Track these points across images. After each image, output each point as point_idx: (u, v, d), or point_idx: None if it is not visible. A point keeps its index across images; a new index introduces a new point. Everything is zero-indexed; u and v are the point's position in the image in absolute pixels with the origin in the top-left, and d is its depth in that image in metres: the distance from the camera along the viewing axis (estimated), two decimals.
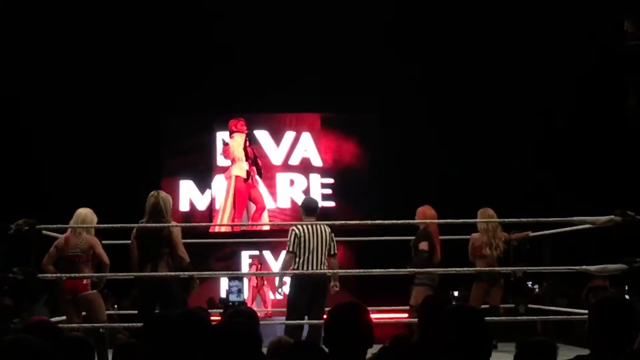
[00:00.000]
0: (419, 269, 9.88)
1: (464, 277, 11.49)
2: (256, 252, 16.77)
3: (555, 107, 17.16)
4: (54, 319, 8.58)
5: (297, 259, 9.40)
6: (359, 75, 16.98)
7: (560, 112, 17.23)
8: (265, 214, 16.50)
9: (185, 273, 8.70)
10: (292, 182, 17.24)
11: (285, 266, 9.62)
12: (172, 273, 8.63)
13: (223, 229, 16.87)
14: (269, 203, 16.68)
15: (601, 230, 9.61)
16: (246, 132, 16.24)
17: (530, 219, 9.73)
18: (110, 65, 16.79)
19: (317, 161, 17.30)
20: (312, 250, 9.39)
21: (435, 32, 16.92)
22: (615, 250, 10.71)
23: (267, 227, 16.02)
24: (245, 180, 16.12)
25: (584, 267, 9.65)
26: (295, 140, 17.28)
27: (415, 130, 17.26)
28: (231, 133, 16.32)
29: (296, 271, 9.39)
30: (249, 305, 15.09)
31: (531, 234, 10.87)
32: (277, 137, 17.27)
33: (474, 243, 10.66)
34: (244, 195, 16.05)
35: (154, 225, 8.68)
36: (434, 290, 9.88)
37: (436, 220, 9.82)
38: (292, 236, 9.44)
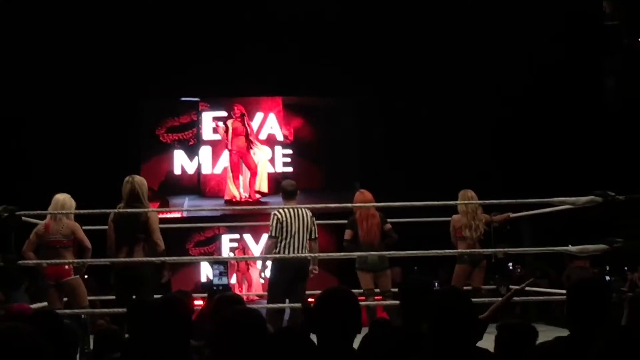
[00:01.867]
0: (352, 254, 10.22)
1: (447, 259, 11.58)
2: (237, 236, 16.94)
3: (532, 88, 17.24)
4: (34, 306, 8.62)
5: (279, 243, 9.48)
6: (317, 61, 17.29)
7: (537, 93, 17.31)
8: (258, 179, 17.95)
9: (160, 259, 8.73)
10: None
11: (268, 250, 9.69)
12: (147, 258, 8.66)
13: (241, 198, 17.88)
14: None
15: (581, 211, 9.70)
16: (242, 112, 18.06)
17: (510, 200, 9.84)
18: (89, 51, 16.79)
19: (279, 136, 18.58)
20: (293, 234, 9.47)
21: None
22: (595, 230, 10.83)
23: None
24: (248, 148, 18.00)
25: (564, 247, 9.76)
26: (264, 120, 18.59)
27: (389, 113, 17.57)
28: (230, 116, 18.10)
29: (278, 255, 9.47)
30: (236, 289, 15.23)
31: (512, 215, 10.97)
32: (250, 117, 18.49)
33: (454, 225, 10.73)
34: (241, 162, 17.99)
35: (133, 210, 8.71)
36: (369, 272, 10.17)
37: (419, 203, 9.87)
38: (274, 220, 9.51)
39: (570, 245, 9.69)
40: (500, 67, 16.98)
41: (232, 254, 16.47)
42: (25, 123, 16.82)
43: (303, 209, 9.68)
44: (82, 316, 9.14)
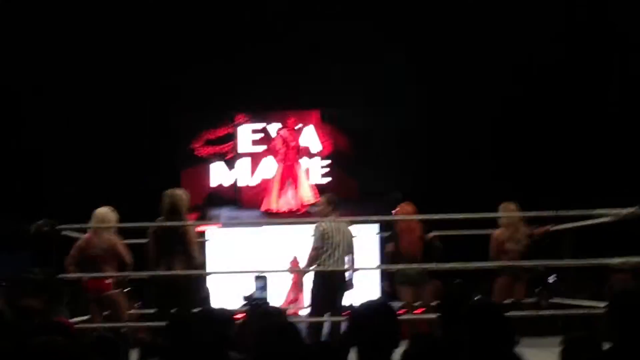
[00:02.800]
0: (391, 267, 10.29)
1: (488, 273, 11.54)
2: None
3: (573, 99, 17.18)
4: (75, 319, 8.68)
5: (322, 255, 9.50)
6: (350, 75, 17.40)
7: (580, 104, 17.23)
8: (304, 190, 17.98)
9: (199, 272, 8.81)
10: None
11: (311, 261, 9.71)
12: (186, 271, 8.74)
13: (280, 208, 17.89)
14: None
15: (623, 223, 9.64)
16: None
17: (550, 212, 9.79)
18: (126, 62, 16.92)
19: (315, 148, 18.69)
20: (335, 246, 9.49)
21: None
22: (637, 243, 10.74)
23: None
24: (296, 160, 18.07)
25: (605, 260, 9.70)
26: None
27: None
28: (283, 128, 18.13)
29: (319, 268, 9.49)
30: (288, 303, 15.18)
31: (552, 227, 10.91)
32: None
33: (497, 238, 10.70)
34: (289, 175, 17.96)
35: (172, 223, 8.78)
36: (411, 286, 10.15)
37: (460, 215, 9.84)
38: (318, 231, 9.56)
39: (613, 258, 9.63)
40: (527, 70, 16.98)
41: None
42: (62, 135, 16.92)
43: (344, 222, 9.71)
44: (122, 330, 9.20)
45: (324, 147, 18.59)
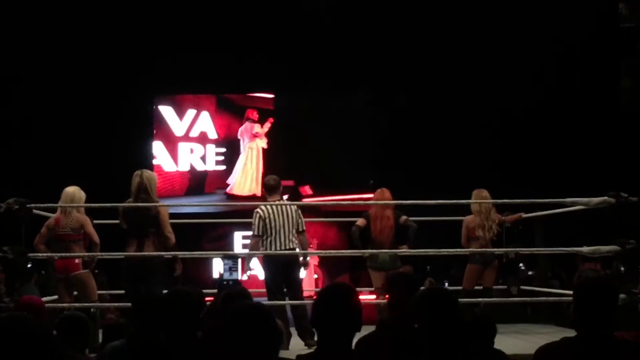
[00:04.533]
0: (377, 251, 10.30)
1: (458, 259, 11.59)
2: (249, 232, 16.97)
3: (549, 89, 17.22)
4: (44, 299, 8.66)
5: (264, 241, 9.52)
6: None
7: (553, 93, 17.28)
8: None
9: (171, 253, 8.78)
10: (191, 150, 18.08)
11: (251, 249, 9.76)
12: (157, 252, 8.69)
13: (243, 192, 17.76)
14: (171, 166, 17.87)
15: (593, 212, 9.70)
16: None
17: (522, 200, 9.84)
18: (98, 47, 16.87)
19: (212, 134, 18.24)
20: (278, 229, 9.49)
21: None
22: (607, 231, 10.82)
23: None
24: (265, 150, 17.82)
25: (576, 248, 9.76)
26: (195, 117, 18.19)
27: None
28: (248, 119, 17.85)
29: (265, 252, 9.53)
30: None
31: (524, 215, 10.96)
32: (180, 114, 18.05)
33: (467, 225, 10.73)
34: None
35: (143, 204, 8.72)
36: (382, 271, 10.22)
37: (432, 202, 9.88)
38: (257, 218, 9.55)
39: (583, 247, 9.69)
40: (514, 67, 16.96)
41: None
42: (38, 115, 16.86)
43: (287, 204, 9.72)
44: (92, 310, 9.18)
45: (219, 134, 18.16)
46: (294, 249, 9.59)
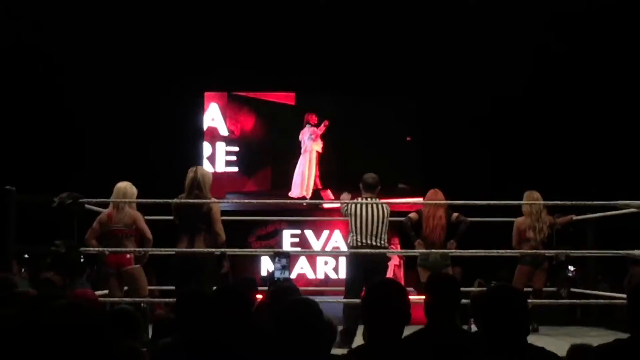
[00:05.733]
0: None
1: (508, 261, 11.52)
2: (298, 231, 17.02)
3: (602, 87, 17.06)
4: (96, 293, 8.72)
5: (352, 236, 9.51)
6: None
7: (607, 92, 17.10)
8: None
9: (220, 250, 8.77)
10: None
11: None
12: (209, 249, 8.72)
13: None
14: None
15: None
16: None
17: (574, 202, 9.77)
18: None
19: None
20: (366, 227, 9.45)
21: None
22: None
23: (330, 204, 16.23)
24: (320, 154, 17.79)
25: (627, 251, 9.68)
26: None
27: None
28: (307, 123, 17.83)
29: (352, 250, 9.48)
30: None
31: (575, 217, 10.90)
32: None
33: (518, 227, 10.70)
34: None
35: (195, 201, 8.75)
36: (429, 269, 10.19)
37: (482, 202, 9.85)
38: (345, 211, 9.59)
39: (634, 250, 9.61)
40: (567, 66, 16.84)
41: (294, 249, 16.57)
42: (92, 110, 16.94)
43: (379, 203, 9.65)
44: (142, 305, 9.25)
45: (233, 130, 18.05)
46: (382, 247, 9.54)
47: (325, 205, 16.77)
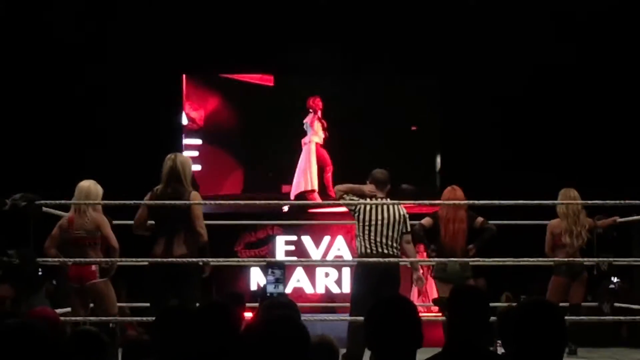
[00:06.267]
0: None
1: (540, 270, 11.49)
2: (294, 237, 16.90)
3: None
4: (57, 311, 8.66)
5: (359, 243, 9.43)
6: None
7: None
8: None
9: (204, 254, 8.65)
10: None
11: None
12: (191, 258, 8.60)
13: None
14: None
15: None
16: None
17: (618, 202, 9.71)
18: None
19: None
20: (377, 231, 9.36)
21: None
22: None
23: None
24: (322, 146, 17.73)
25: None
26: None
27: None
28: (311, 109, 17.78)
29: (362, 259, 9.39)
30: None
31: (619, 219, 10.85)
32: None
33: (552, 231, 10.64)
34: (320, 159, 17.74)
35: (174, 203, 8.60)
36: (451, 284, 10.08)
37: (509, 202, 9.77)
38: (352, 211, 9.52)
39: None
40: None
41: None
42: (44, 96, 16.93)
43: (394, 204, 9.56)
44: (111, 325, 9.18)
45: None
46: (394, 256, 9.44)
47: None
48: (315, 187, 17.30)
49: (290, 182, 17.43)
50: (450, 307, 4.78)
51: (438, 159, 17.49)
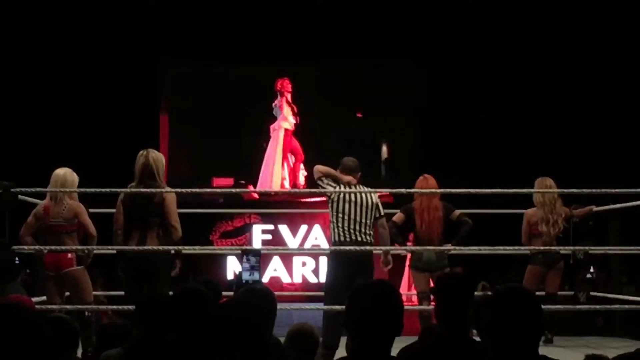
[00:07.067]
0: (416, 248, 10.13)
1: (516, 259, 11.53)
2: (270, 226, 16.87)
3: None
4: (32, 299, 8.66)
5: (333, 231, 9.44)
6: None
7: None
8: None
9: (177, 247, 8.69)
10: None
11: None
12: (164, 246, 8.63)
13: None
14: None
15: None
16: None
17: (594, 190, 9.74)
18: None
19: None
20: (347, 217, 9.35)
21: None
22: None
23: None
24: (293, 132, 17.70)
25: None
26: None
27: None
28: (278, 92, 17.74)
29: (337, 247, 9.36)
30: None
31: (595, 208, 10.89)
32: None
33: (528, 220, 10.66)
34: (288, 147, 17.68)
35: (148, 190, 8.60)
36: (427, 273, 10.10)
37: (485, 190, 9.79)
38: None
39: None
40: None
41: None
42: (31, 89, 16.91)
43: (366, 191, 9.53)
44: (86, 313, 9.17)
45: None
46: (368, 243, 9.41)
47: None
48: (286, 176, 17.40)
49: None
50: (434, 294, 4.82)
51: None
